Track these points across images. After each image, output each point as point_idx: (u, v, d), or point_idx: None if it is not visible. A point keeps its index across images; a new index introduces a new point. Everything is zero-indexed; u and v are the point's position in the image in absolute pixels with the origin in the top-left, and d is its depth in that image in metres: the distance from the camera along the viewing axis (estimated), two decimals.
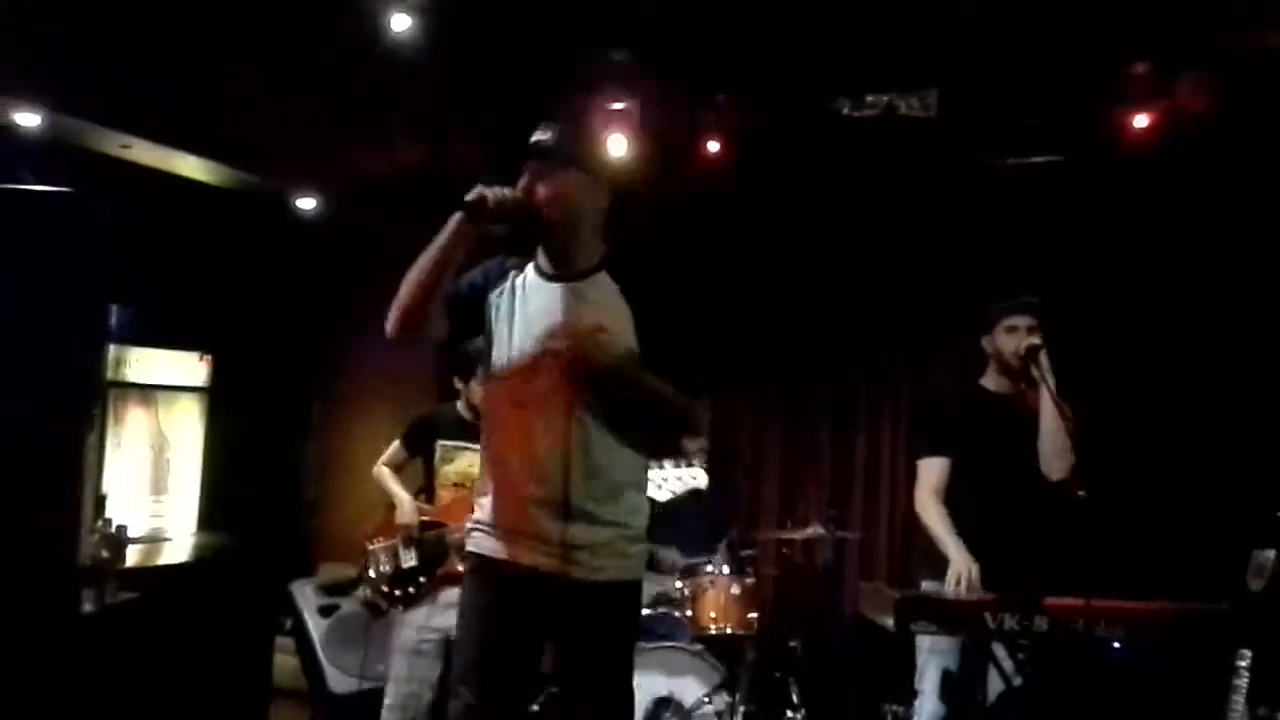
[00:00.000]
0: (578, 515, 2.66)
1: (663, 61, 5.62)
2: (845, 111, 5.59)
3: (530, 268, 2.81)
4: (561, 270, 2.76)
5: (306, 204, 6.32)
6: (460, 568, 4.35)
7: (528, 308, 2.75)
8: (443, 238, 2.62)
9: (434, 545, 4.50)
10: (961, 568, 3.63)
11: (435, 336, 2.76)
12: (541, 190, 2.67)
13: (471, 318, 2.79)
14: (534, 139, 2.72)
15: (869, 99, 5.55)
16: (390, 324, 2.69)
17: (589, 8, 5.14)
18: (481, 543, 2.78)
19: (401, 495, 4.59)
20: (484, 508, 2.79)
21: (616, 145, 5.69)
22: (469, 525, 2.86)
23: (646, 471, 2.86)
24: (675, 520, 5.13)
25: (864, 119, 5.58)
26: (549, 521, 2.65)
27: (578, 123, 4.86)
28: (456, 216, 2.61)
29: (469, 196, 2.59)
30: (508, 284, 2.79)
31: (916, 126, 5.58)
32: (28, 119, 4.97)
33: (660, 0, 5.07)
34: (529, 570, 2.68)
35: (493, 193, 2.60)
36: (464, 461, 4.53)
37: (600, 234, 2.81)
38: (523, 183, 2.68)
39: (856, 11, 5.05)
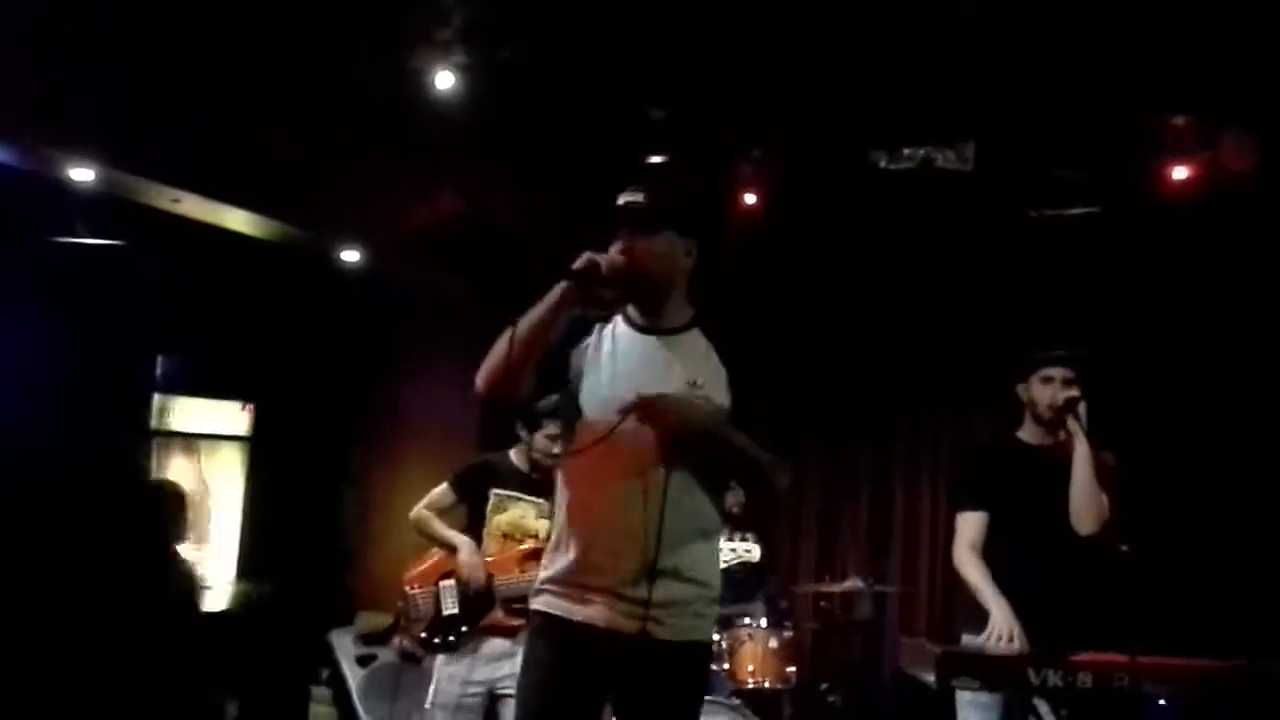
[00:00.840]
0: (664, 573, 2.61)
1: (700, 116, 5.69)
2: (882, 164, 5.62)
3: (619, 319, 2.80)
4: (656, 325, 2.76)
5: (350, 256, 6.41)
6: (502, 617, 4.37)
7: (619, 362, 2.73)
8: (548, 304, 2.61)
9: (479, 595, 4.43)
10: (1001, 624, 3.58)
11: (522, 395, 2.74)
12: (641, 250, 2.67)
13: (554, 374, 2.76)
14: (626, 200, 2.73)
15: (905, 152, 5.58)
16: (483, 383, 2.66)
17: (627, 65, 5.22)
18: (553, 603, 2.71)
19: (459, 538, 4.43)
20: (559, 565, 2.73)
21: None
22: (538, 585, 2.79)
23: (721, 531, 2.83)
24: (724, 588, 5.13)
25: (900, 172, 5.60)
26: (634, 578, 2.61)
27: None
28: (562, 285, 2.60)
29: (578, 265, 2.59)
30: (593, 337, 2.78)
31: (953, 179, 5.59)
32: (81, 174, 5.09)
33: (696, 56, 5.14)
34: (606, 632, 2.63)
35: (604, 259, 2.61)
36: (516, 512, 4.47)
37: (687, 291, 2.82)
38: (620, 245, 2.68)
39: (892, 65, 5.10)
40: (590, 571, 2.67)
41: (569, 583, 2.70)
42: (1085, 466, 3.64)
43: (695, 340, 2.77)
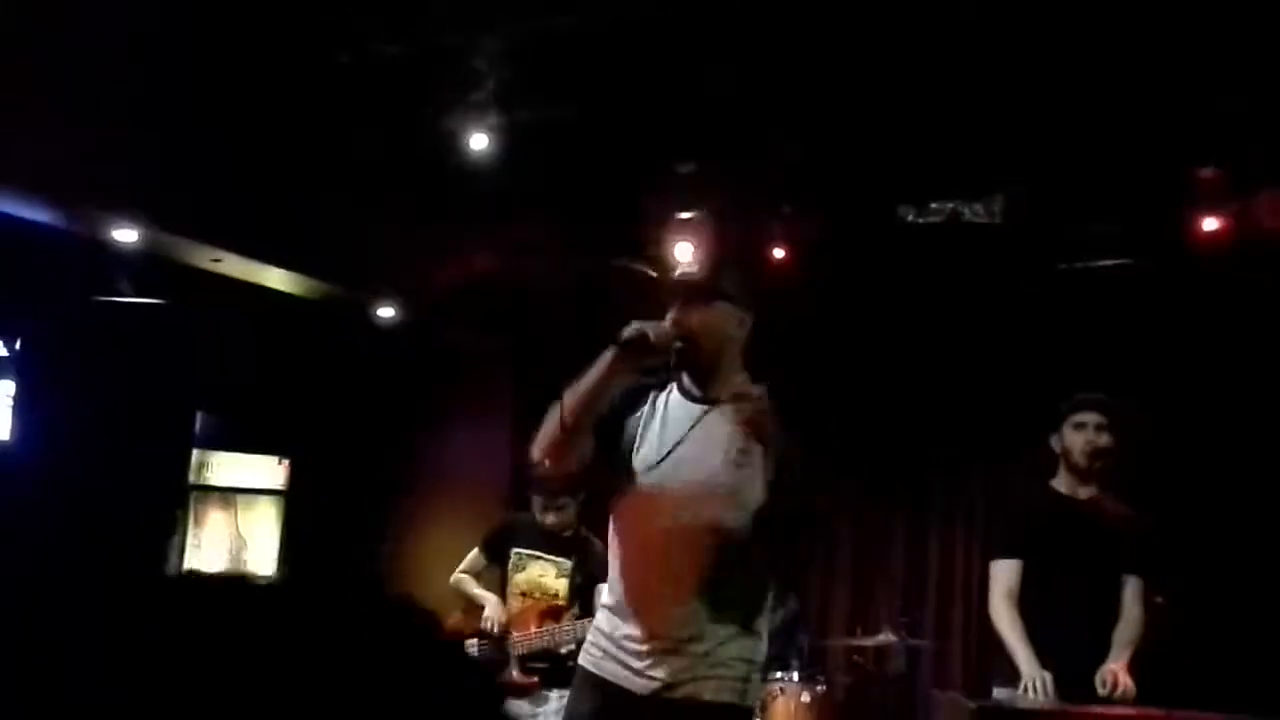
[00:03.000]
0: (708, 636, 2.64)
1: (730, 171, 5.75)
2: (910, 219, 5.64)
3: (674, 387, 2.83)
4: (707, 394, 2.78)
5: (385, 313, 6.50)
6: (516, 676, 4.41)
7: (669, 429, 2.76)
8: (597, 372, 2.66)
9: (495, 654, 4.47)
10: (1032, 678, 3.55)
11: (576, 462, 2.79)
12: (693, 321, 2.72)
13: (611, 441, 2.80)
14: (681, 272, 2.79)
15: (934, 206, 5.60)
16: (540, 451, 2.72)
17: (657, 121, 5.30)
18: (601, 664, 2.74)
19: (488, 595, 4.56)
20: (608, 620, 2.77)
21: (683, 254, 5.80)
22: (590, 638, 2.84)
23: (768, 605, 2.80)
24: None
25: (929, 226, 5.62)
26: (679, 639, 2.63)
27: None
28: (610, 353, 2.65)
29: (627, 334, 2.64)
30: (647, 404, 2.82)
31: (982, 233, 5.60)
32: (126, 235, 5.21)
33: (728, 112, 5.21)
34: (643, 697, 2.65)
35: (653, 329, 2.66)
36: (535, 571, 4.52)
37: (742, 360, 2.84)
38: (673, 314, 2.72)
39: (920, 119, 5.14)
40: (638, 628, 2.68)
41: (614, 639, 2.72)
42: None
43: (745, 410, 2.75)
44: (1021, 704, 3.52)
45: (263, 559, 6.57)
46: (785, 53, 4.84)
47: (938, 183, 5.62)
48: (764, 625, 2.76)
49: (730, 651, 2.66)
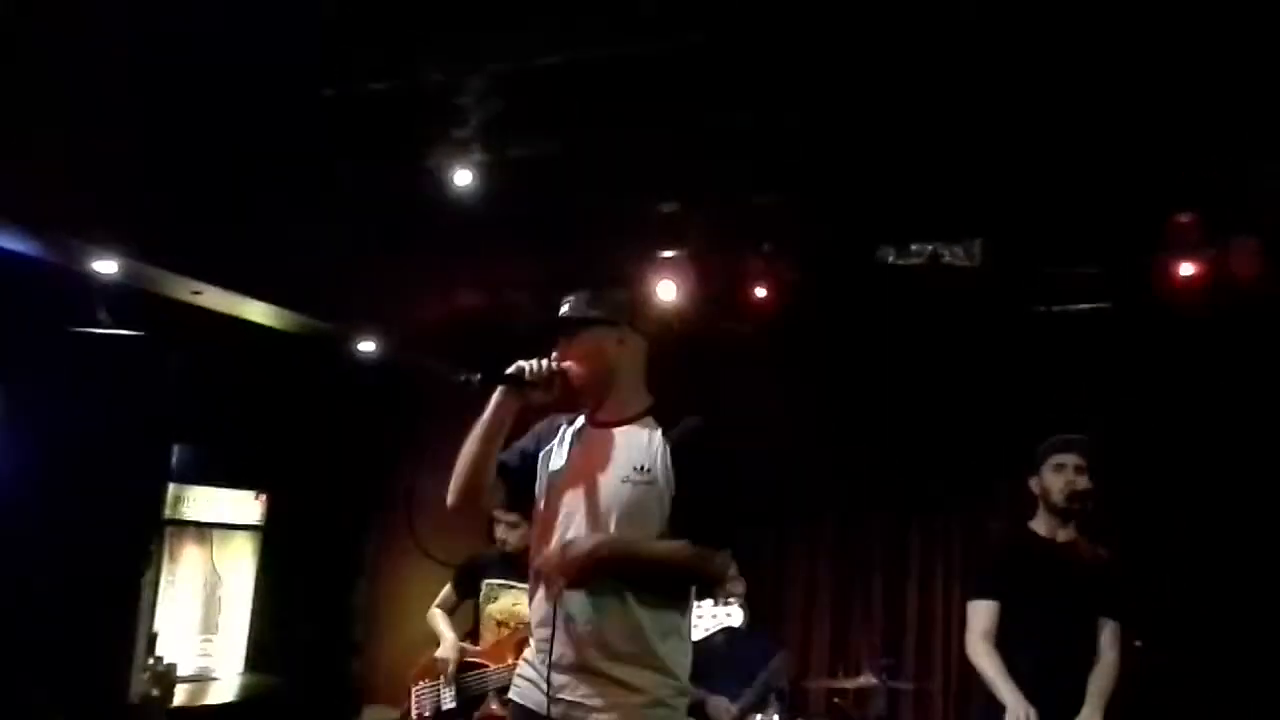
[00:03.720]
0: (605, 659, 2.63)
1: (711, 210, 5.79)
2: (890, 260, 5.69)
3: (581, 417, 2.89)
4: (605, 418, 2.84)
5: (366, 347, 6.48)
6: (495, 709, 4.38)
7: (569, 454, 2.83)
8: (487, 413, 2.75)
9: (473, 687, 4.45)
10: (1020, 714, 3.54)
11: (496, 504, 2.88)
12: (568, 355, 2.80)
13: (527, 482, 2.87)
14: (558, 313, 2.86)
15: (914, 248, 5.65)
16: (450, 496, 2.80)
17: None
18: (525, 693, 2.76)
19: (447, 634, 4.58)
20: (530, 647, 2.81)
21: (666, 293, 5.82)
22: (518, 669, 2.86)
23: (684, 620, 2.79)
24: (722, 665, 5.07)
25: (908, 268, 5.66)
26: (586, 665, 2.64)
27: (618, 279, 5.03)
28: (499, 391, 2.75)
29: (508, 370, 2.74)
30: (557, 438, 2.88)
31: (961, 275, 5.65)
32: (105, 266, 5.18)
33: (709, 149, 5.25)
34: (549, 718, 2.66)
35: (530, 365, 2.75)
36: (508, 600, 4.52)
37: (645, 381, 2.89)
38: (555, 351, 2.82)
39: (901, 162, 5.19)
40: (547, 654, 2.69)
41: (532, 666, 2.76)
42: None
43: (643, 430, 2.80)
44: None
45: (238, 596, 6.50)
46: (767, 93, 4.89)
47: (918, 225, 5.67)
48: (674, 654, 2.72)
49: (633, 678, 2.64)
